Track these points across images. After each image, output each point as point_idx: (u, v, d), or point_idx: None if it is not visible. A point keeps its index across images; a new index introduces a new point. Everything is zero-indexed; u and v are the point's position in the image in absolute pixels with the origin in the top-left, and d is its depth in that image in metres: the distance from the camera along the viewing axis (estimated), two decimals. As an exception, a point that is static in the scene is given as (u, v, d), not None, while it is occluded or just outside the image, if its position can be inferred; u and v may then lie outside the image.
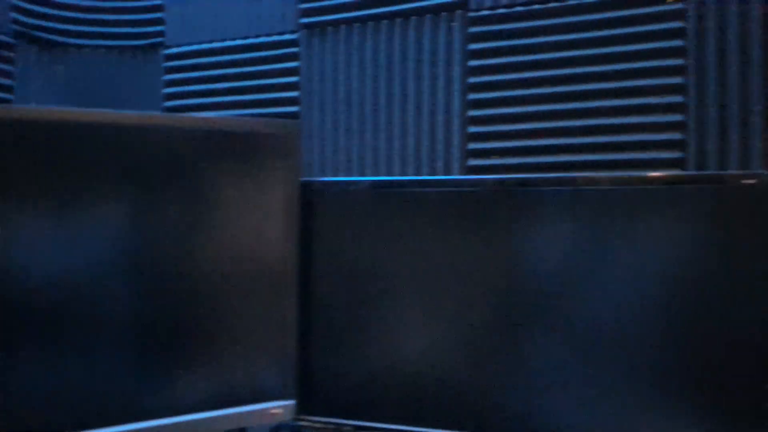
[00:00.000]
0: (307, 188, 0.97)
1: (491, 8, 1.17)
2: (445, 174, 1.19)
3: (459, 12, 1.19)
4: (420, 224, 0.93)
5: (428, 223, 0.93)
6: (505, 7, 1.16)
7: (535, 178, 0.91)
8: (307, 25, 1.31)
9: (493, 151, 1.17)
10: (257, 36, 1.35)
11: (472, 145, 1.18)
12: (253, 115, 1.26)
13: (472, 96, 1.18)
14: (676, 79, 1.05)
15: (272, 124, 0.99)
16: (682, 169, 1.04)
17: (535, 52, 1.13)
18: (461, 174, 1.18)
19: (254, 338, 0.96)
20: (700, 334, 0.83)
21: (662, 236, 0.84)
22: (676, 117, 1.05)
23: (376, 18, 1.25)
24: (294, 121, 1.00)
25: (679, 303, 0.83)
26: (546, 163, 1.12)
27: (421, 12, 1.21)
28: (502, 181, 0.92)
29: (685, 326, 0.83)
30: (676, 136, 1.05)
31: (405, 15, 1.22)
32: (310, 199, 0.97)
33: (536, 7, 1.13)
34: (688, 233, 0.83)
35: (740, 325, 0.81)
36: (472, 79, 1.18)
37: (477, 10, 1.18)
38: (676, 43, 1.05)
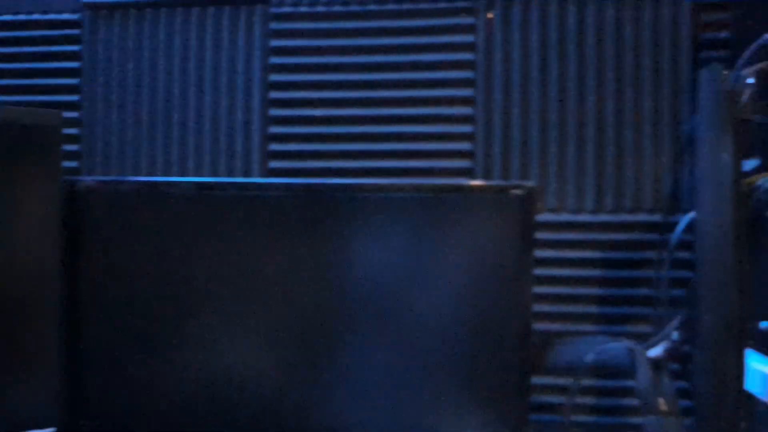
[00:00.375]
0: (71, 189, 0.86)
1: (294, 5, 1.13)
2: (245, 176, 1.13)
3: (260, 6, 1.14)
4: (209, 230, 0.86)
5: (218, 229, 0.87)
6: (307, 5, 1.13)
7: (323, 184, 0.90)
8: (91, 6, 1.17)
9: (296, 153, 1.13)
10: (30, 13, 1.18)
11: (273, 147, 1.14)
12: (12, 102, 1.10)
13: (274, 95, 1.13)
14: (466, 92, 1.09)
15: (28, 114, 0.87)
16: (471, 178, 1.09)
17: (335, 54, 1.12)
18: (261, 176, 1.13)
19: (5, 362, 0.83)
20: (477, 334, 0.87)
21: (445, 241, 0.87)
22: (466, 128, 1.09)
23: (171, 4, 1.15)
24: (54, 111, 0.87)
25: (454, 305, 0.87)
26: (345, 168, 1.10)
27: (220, 2, 1.14)
28: (292, 186, 0.90)
29: (461, 328, 0.86)
30: (465, 146, 1.09)
31: (202, 4, 1.14)
32: (77, 202, 0.86)
33: (337, 8, 1.12)
34: (466, 239, 0.87)
35: (507, 326, 0.86)
36: (274, 77, 1.13)
37: (279, 5, 1.13)
38: (466, 56, 1.09)
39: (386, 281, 0.87)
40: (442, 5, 1.09)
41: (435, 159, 1.10)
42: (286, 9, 1.13)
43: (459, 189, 0.91)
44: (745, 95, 0.71)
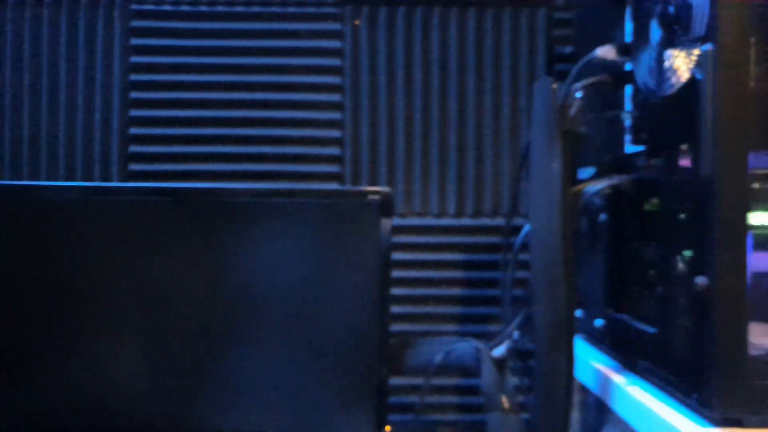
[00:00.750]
0: None
1: (156, 3, 1.09)
2: (103, 180, 1.08)
3: (119, 2, 1.08)
4: (87, 235, 0.87)
5: (96, 234, 0.87)
6: (171, 4, 1.09)
7: (186, 189, 0.88)
8: (-74, -8, 1.07)
9: (157, 155, 1.09)
10: None
11: (133, 149, 1.09)
12: None
13: (135, 95, 1.09)
14: (335, 97, 1.10)
15: None
16: (340, 182, 1.10)
17: (199, 55, 1.08)
18: (121, 179, 1.08)
19: None
20: (337, 336, 0.88)
21: (307, 245, 0.88)
22: (334, 133, 1.10)
23: (20, -5, 1.08)
24: None
25: (316, 308, 0.87)
26: (210, 171, 1.08)
27: (75, -5, 1.08)
28: (158, 190, 0.88)
29: (322, 329, 0.87)
30: (334, 150, 1.10)
31: (55, -4, 1.08)
32: None
33: (203, 8, 1.09)
34: (326, 242, 0.88)
35: (366, 327, 0.88)
36: (135, 77, 1.09)
37: (140, 2, 1.09)
38: (334, 61, 1.10)
39: (252, 285, 0.88)
40: (310, 10, 1.09)
41: (304, 163, 1.09)
42: (149, 6, 1.09)
43: (316, 194, 0.92)
44: (574, 108, 0.76)
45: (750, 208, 0.59)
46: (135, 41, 1.08)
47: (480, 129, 1.09)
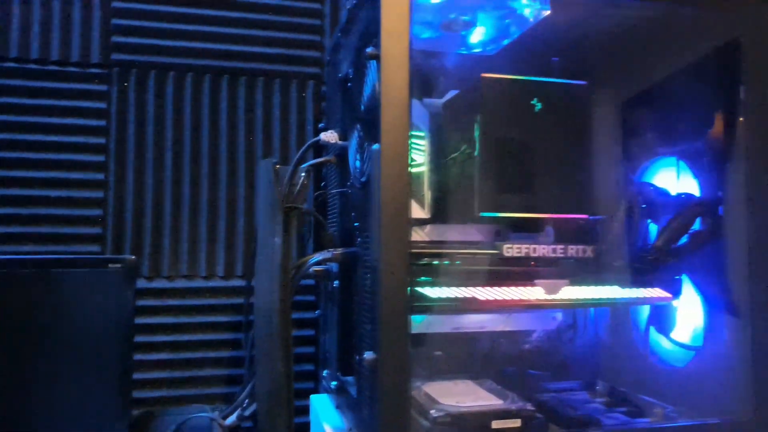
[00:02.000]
0: None
1: None
2: None
3: None
4: None
5: None
6: None
7: None
8: None
9: None
10: None
11: None
12: None
13: None
14: (98, 157, 1.08)
15: None
16: (102, 246, 1.07)
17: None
18: None
19: None
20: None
21: (58, 308, 0.87)
22: (97, 194, 1.08)
23: None
24: None
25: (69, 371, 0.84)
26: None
27: None
28: None
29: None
30: (95, 212, 1.07)
31: None
32: None
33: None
34: (72, 308, 0.86)
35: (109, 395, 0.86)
36: None
37: None
38: (99, 122, 1.08)
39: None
40: (73, 69, 1.07)
41: (64, 225, 1.06)
42: None
43: (59, 263, 0.89)
44: (297, 186, 0.82)
45: (410, 284, 0.67)
46: None
47: (250, 193, 1.14)
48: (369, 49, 0.66)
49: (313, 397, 1.02)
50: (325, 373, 0.99)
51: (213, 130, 1.13)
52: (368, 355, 0.65)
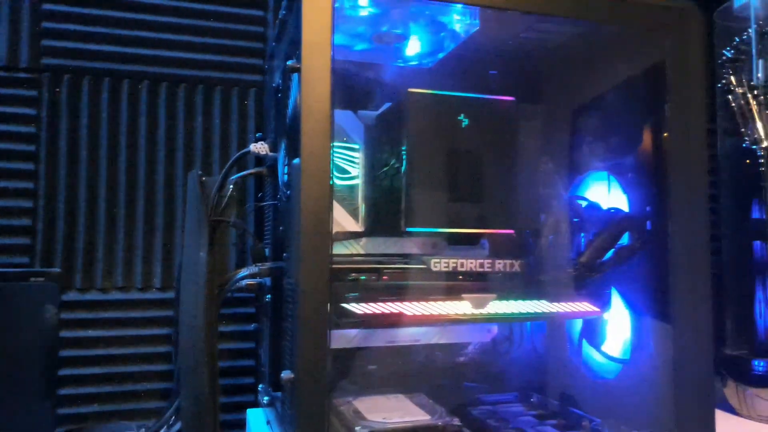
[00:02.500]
0: None
1: None
2: None
3: None
4: None
5: None
6: None
7: None
8: None
9: None
10: None
11: None
12: None
13: None
14: (27, 165, 1.04)
15: None
16: (31, 257, 1.04)
17: None
18: None
19: None
20: None
21: None
22: (26, 203, 1.04)
23: None
24: None
25: None
26: None
27: None
28: None
29: None
30: (24, 222, 1.03)
31: None
32: None
33: None
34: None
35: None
36: None
37: None
38: (28, 128, 1.04)
39: None
40: (1, 74, 1.04)
41: (-9, 235, 1.03)
42: None
43: None
44: (225, 199, 0.81)
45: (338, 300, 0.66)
46: None
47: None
48: (290, 62, 0.65)
49: (249, 411, 1.00)
50: (260, 387, 0.98)
51: (150, 139, 1.10)
52: (285, 374, 0.64)
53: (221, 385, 1.10)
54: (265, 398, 0.88)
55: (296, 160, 0.65)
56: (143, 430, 0.81)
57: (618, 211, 0.84)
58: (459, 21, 0.78)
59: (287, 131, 0.73)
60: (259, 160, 0.97)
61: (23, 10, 1.05)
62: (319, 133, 0.65)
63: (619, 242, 0.81)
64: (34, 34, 1.05)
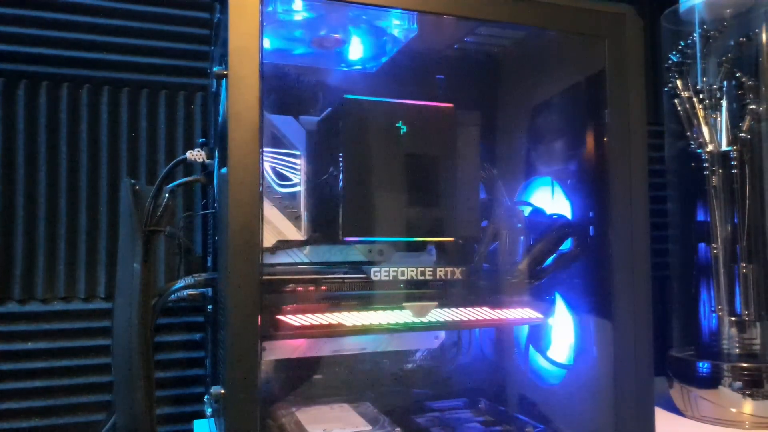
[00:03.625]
0: None
1: None
2: None
3: None
4: None
5: None
6: None
7: None
8: None
9: None
10: None
11: None
12: None
13: None
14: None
15: None
16: (-34, 266, 1.00)
17: None
18: None
19: None
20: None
21: None
22: (-40, 212, 1.01)
23: None
24: None
25: None
26: None
27: None
28: None
29: None
30: (-41, 232, 1.01)
31: None
32: None
33: None
34: None
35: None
36: None
37: None
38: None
39: None
40: (-68, 78, 1.00)
41: None
42: None
43: None
44: (161, 208, 0.79)
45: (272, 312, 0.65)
46: None
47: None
48: (216, 68, 0.63)
49: (195, 422, 0.98)
50: (206, 397, 0.96)
51: (92, 144, 1.06)
52: (215, 390, 0.62)
53: (171, 396, 1.09)
54: (208, 409, 0.86)
55: (224, 169, 0.63)
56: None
57: (560, 216, 0.84)
58: (398, 26, 0.77)
59: (219, 138, 0.71)
60: (204, 166, 0.95)
61: (-47, 11, 1.02)
62: (248, 141, 0.63)
63: (561, 248, 0.81)
64: (-36, 36, 1.02)
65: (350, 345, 0.89)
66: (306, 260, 0.85)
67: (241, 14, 0.64)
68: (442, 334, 0.94)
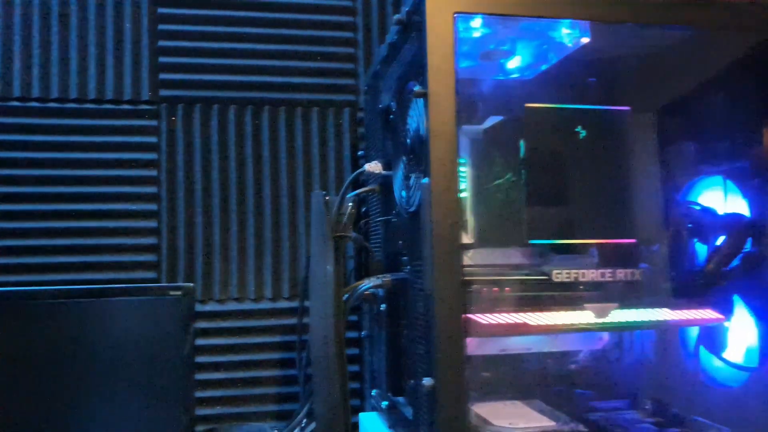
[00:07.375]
0: None
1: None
2: None
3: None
4: None
5: None
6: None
7: None
8: None
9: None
10: None
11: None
12: None
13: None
14: (150, 189, 1.13)
15: None
16: (157, 272, 1.12)
17: (6, 150, 1.09)
18: None
19: None
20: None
21: (120, 335, 0.95)
22: (151, 223, 1.13)
23: None
24: None
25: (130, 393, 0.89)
26: (26, 264, 1.07)
27: None
28: None
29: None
30: (150, 240, 1.12)
31: None
32: None
33: (15, 104, 1.09)
34: (136, 333, 0.93)
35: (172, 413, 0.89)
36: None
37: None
38: (150, 155, 1.13)
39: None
40: (126, 107, 1.13)
41: (120, 253, 1.11)
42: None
43: (122, 292, 0.94)
44: (345, 216, 0.85)
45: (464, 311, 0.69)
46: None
47: (294, 218, 1.17)
48: (416, 88, 0.68)
49: (362, 415, 1.04)
50: (374, 392, 1.01)
51: (256, 159, 1.17)
52: (427, 381, 0.67)
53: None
54: (383, 403, 0.91)
55: (425, 180, 0.68)
56: (276, 431, 0.86)
57: (738, 216, 0.83)
58: (568, 34, 0.80)
59: (407, 152, 0.77)
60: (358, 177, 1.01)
61: (142, 48, 1.14)
62: (447, 153, 0.68)
63: (743, 250, 0.80)
64: (153, 68, 1.15)
65: (516, 344, 0.92)
66: (470, 263, 0.89)
67: (438, 37, 0.69)
68: (606, 335, 0.95)
